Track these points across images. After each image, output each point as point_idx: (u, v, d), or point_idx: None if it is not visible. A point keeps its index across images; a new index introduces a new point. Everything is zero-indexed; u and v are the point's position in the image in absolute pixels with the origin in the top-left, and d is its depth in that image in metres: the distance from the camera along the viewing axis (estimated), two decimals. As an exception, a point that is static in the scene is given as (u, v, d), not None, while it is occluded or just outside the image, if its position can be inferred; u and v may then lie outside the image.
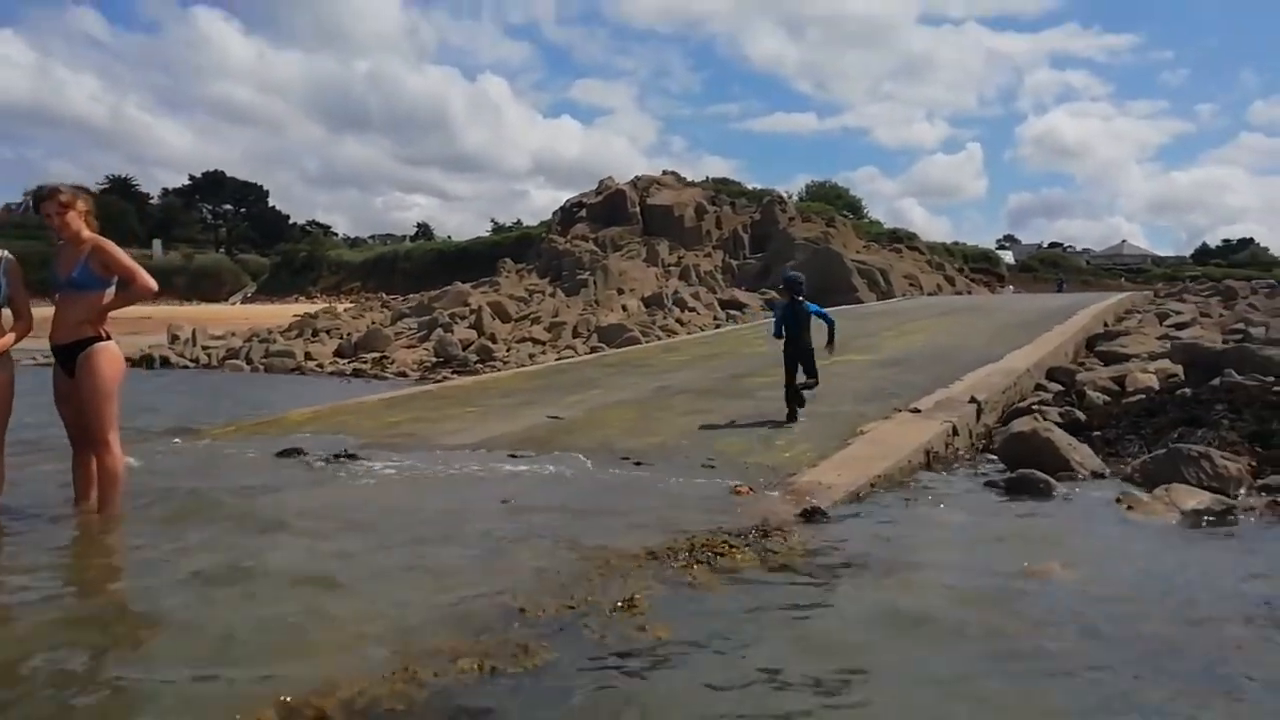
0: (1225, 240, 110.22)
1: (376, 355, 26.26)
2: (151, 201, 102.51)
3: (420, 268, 68.77)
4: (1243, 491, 7.24)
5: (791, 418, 9.50)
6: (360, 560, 5.02)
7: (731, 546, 5.29)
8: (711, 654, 3.91)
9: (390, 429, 9.67)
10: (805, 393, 9.69)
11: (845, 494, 6.83)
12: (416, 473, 7.46)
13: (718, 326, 29.84)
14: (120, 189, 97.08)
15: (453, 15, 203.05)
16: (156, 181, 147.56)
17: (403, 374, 23.57)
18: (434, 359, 25.06)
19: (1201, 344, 14.02)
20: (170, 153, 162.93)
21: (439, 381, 18.53)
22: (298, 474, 7.49)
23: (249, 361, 26.14)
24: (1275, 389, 11.08)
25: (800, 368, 9.68)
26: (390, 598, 4.39)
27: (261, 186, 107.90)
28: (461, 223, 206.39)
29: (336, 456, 7.98)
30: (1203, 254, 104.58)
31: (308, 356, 26.75)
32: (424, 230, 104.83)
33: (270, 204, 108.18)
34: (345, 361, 26.23)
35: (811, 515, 6.22)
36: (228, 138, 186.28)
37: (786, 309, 9.81)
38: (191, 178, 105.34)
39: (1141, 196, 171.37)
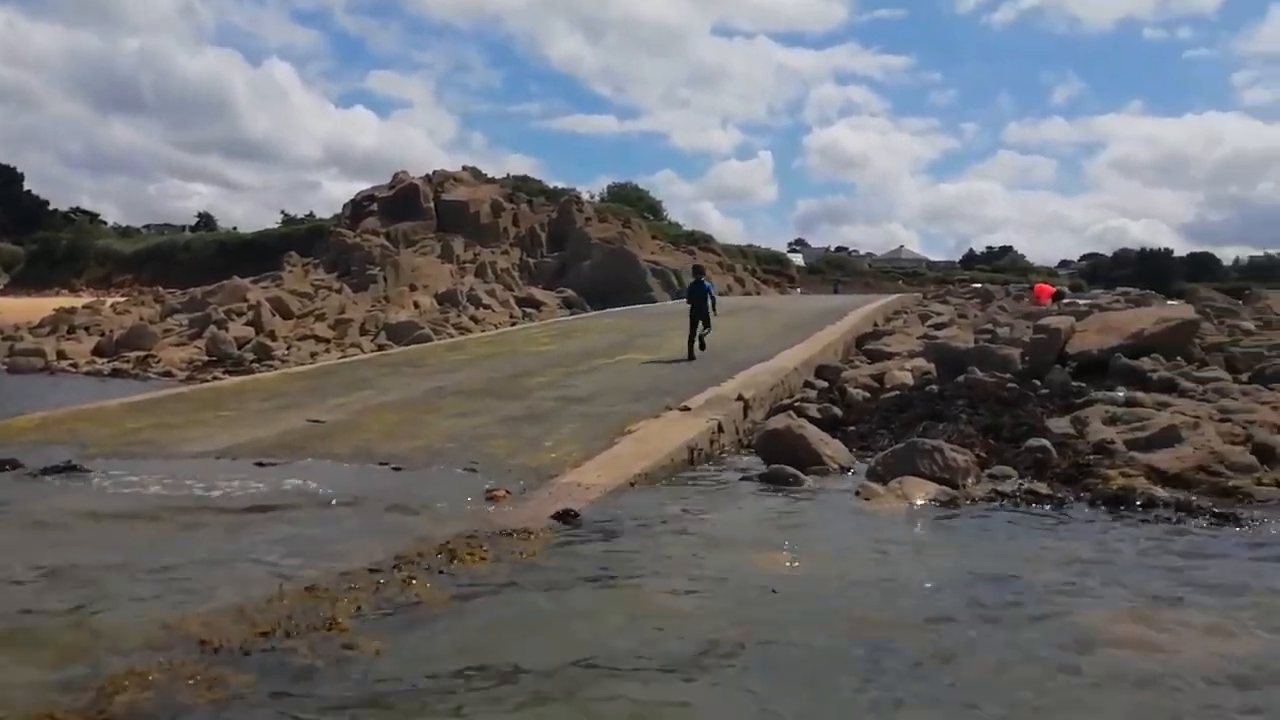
0: (989, 247, 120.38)
1: (140, 354, 24.26)
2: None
3: (201, 260, 64.12)
4: (970, 481, 7.79)
5: (691, 357, 14.29)
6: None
7: (469, 554, 5.13)
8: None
9: (128, 436, 8.87)
10: (704, 337, 14.63)
11: (602, 494, 6.83)
12: (134, 489, 6.82)
13: (514, 324, 29.57)
14: None
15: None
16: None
17: (169, 374, 21.88)
18: (205, 358, 23.43)
19: (951, 343, 15.12)
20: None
21: (206, 382, 17.30)
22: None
23: (-11, 361, 23.51)
24: (1009, 385, 12.07)
25: (700, 324, 14.62)
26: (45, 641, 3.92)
27: (14, 168, 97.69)
28: (248, 213, 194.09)
29: (53, 469, 7.20)
30: (970, 259, 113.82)
31: (60, 355, 24.37)
32: (206, 220, 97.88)
33: (25, 188, 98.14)
34: (104, 360, 24.07)
35: (564, 517, 6.16)
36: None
37: (694, 286, 15.27)
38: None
39: (916, 206, 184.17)
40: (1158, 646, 4.22)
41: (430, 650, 3.97)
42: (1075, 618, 4.53)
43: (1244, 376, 12.32)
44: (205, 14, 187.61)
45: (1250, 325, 18.31)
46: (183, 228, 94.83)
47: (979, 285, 47.13)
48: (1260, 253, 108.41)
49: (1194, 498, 7.12)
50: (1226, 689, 3.81)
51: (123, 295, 50.43)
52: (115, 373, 22.33)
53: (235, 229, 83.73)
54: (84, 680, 3.48)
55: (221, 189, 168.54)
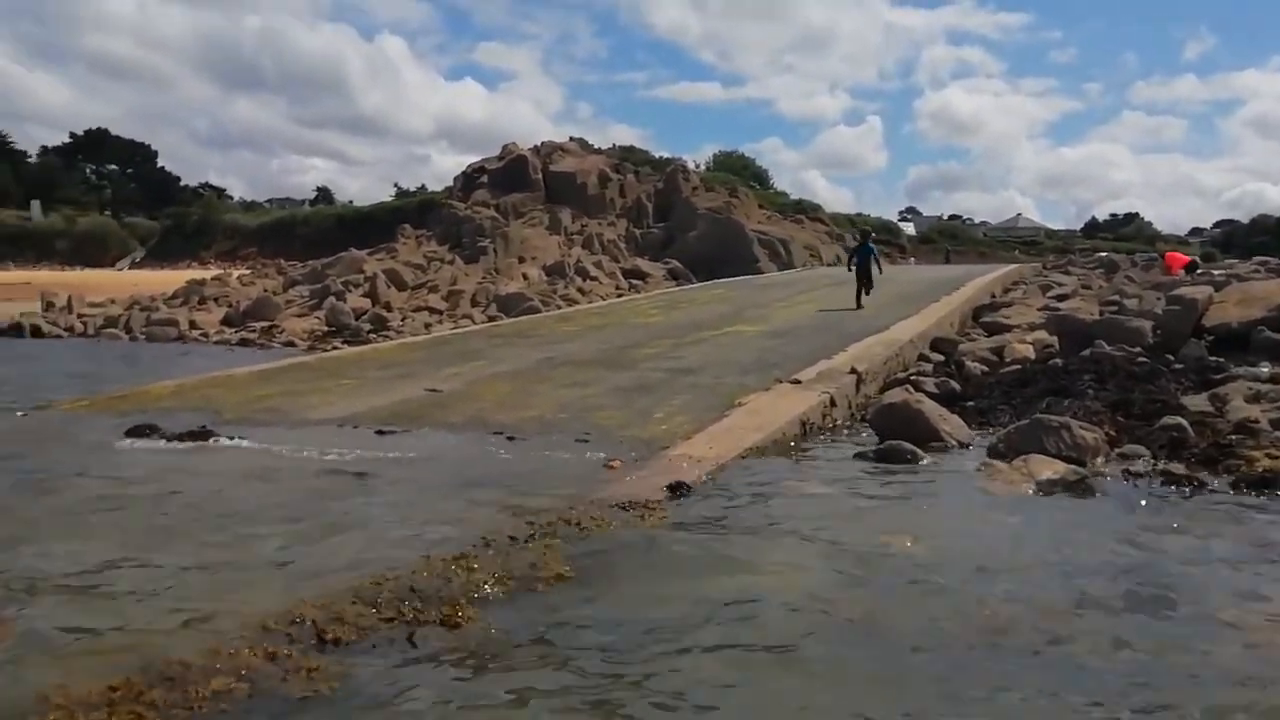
0: (1113, 214, 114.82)
1: (265, 324, 25.31)
2: (28, 160, 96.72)
3: (320, 233, 66.57)
4: (1099, 460, 7.44)
5: (859, 305, 17.49)
6: (147, 560, 4.68)
7: (592, 524, 5.18)
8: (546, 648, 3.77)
9: (256, 403, 9.25)
10: (868, 292, 18.10)
11: (715, 466, 6.78)
12: (266, 453, 7.11)
13: (620, 296, 29.69)
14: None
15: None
16: (32, 139, 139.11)
17: (291, 343, 22.77)
18: (325, 328, 24.28)
19: (1075, 315, 14.47)
20: (46, 108, 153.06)
21: (327, 351, 17.94)
22: (134, 455, 7.09)
23: (128, 330, 24.89)
24: (1139, 359, 11.49)
25: (866, 286, 18.12)
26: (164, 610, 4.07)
27: (149, 146, 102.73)
28: (363, 187, 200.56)
29: (189, 434, 7.56)
30: (1092, 228, 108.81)
31: (192, 325, 25.63)
32: (324, 194, 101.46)
33: (159, 165, 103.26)
34: (232, 330, 25.21)
35: (677, 489, 6.14)
36: (109, 94, 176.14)
37: (860, 248, 19.08)
38: (73, 135, 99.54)
39: (1033, 171, 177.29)
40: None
41: (556, 620, 4.01)
42: (1222, 612, 4.27)
43: (1404, 351, 11.42)
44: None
45: None
46: (302, 202, 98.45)
47: (1104, 254, 45.06)
48: None
49: (1350, 482, 6.62)
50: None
51: (247, 267, 52.69)
52: (242, 342, 23.35)
53: (351, 202, 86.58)
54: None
55: (338, 163, 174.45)
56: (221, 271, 43.51)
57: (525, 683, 3.47)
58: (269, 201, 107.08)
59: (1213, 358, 11.58)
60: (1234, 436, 7.92)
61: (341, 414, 8.55)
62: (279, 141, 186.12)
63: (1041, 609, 4.25)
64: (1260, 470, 6.90)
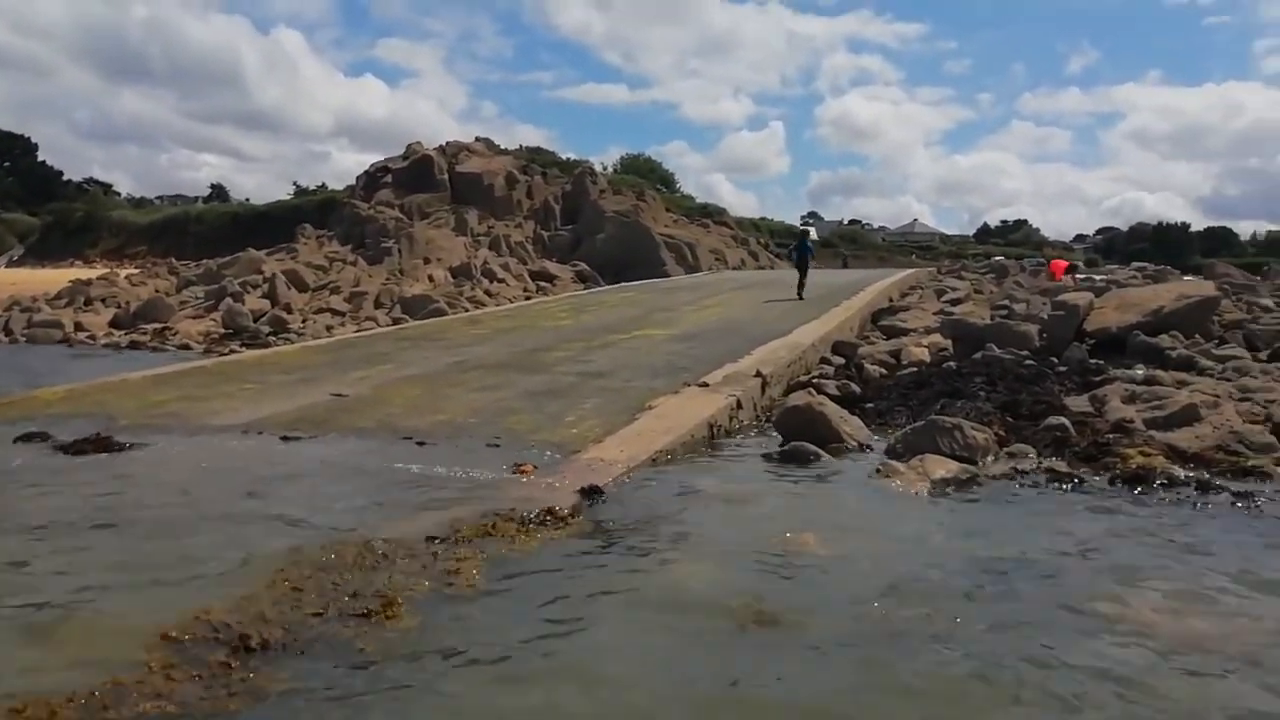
0: (1003, 221, 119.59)
1: (157, 326, 24.42)
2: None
3: (214, 231, 64.35)
4: (990, 459, 7.83)
5: (800, 297, 20.21)
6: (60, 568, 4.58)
7: (502, 530, 5.23)
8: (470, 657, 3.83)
9: (154, 409, 8.97)
10: (803, 286, 20.95)
11: (626, 469, 6.89)
12: (167, 460, 6.94)
13: (528, 298, 29.62)
14: None
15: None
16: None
17: (186, 346, 22.03)
18: (222, 330, 23.58)
19: (967, 319, 15.11)
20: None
21: (224, 355, 17.42)
22: (24, 464, 6.82)
23: (8, 332, 23.69)
24: (1027, 362, 12.10)
25: (801, 275, 21.15)
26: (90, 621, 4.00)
27: (29, 138, 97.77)
28: (260, 184, 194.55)
29: (82, 441, 7.31)
30: (984, 233, 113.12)
31: (78, 327, 24.54)
32: (219, 191, 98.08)
33: (39, 158, 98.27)
34: (122, 333, 24.24)
35: (589, 493, 6.23)
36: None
37: (800, 245, 22.75)
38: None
39: (929, 178, 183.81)
40: (1179, 628, 4.27)
41: (468, 628, 4.06)
42: (1098, 600, 4.59)
43: (1263, 355, 12.32)
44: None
45: (1269, 302, 18.23)
46: (195, 199, 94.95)
47: (997, 259, 46.91)
48: (1279, 227, 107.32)
49: (1213, 477, 7.14)
50: (1247, 669, 3.86)
51: (136, 267, 50.57)
52: (133, 345, 22.49)
53: (247, 200, 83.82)
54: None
55: (233, 159, 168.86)
56: (108, 271, 41.67)
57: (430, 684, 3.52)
58: (159, 198, 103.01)
59: (1093, 360, 12.27)
60: (1111, 435, 8.44)
61: (244, 419, 8.37)
62: (168, 136, 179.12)
63: (934, 601, 4.49)
64: (1134, 467, 7.38)
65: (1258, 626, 4.32)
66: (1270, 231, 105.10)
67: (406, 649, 3.82)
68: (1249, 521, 6.13)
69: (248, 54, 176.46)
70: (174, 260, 50.04)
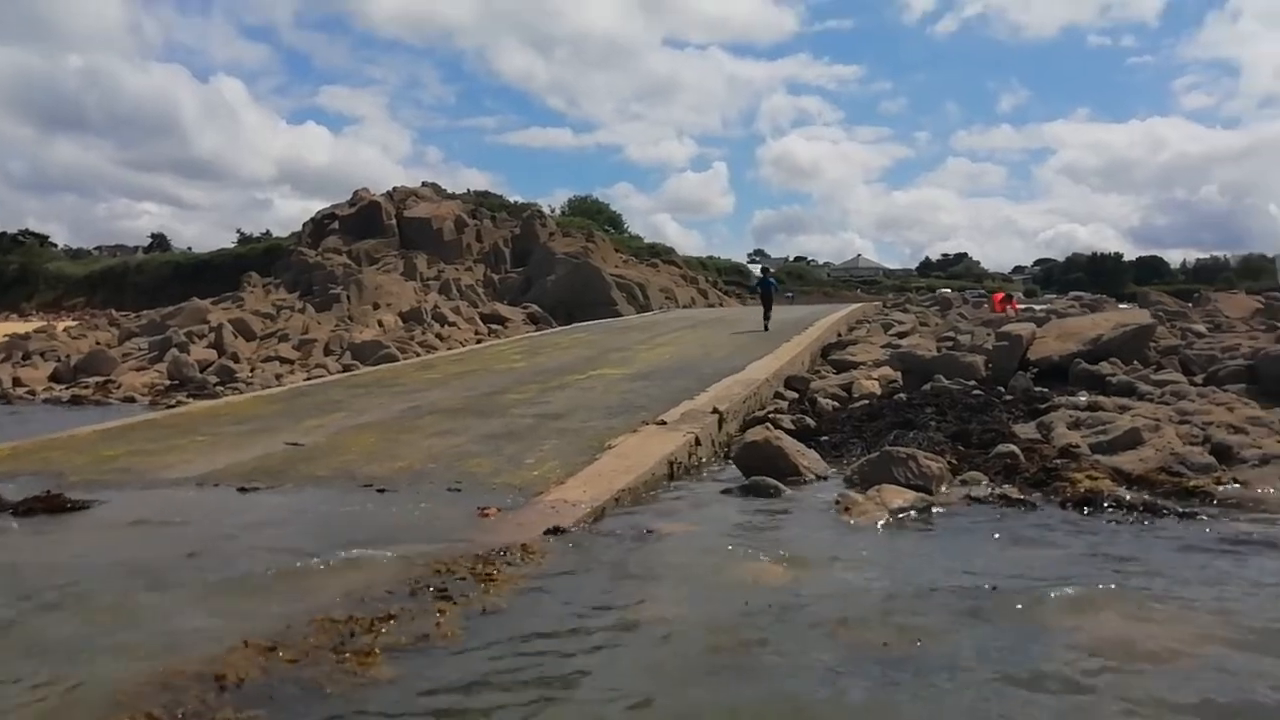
0: (944, 254, 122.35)
1: (100, 379, 23.89)
2: None
3: (155, 282, 63.19)
4: (944, 488, 8.01)
5: (766, 329, 21.55)
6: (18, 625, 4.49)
7: (475, 574, 5.23)
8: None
9: (104, 464, 8.80)
10: (769, 320, 22.54)
11: (590, 509, 6.92)
12: (128, 516, 6.82)
13: (479, 341, 29.55)
14: None
15: (180, 11, 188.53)
16: None
17: (130, 399, 21.58)
18: (168, 381, 23.13)
19: (915, 352, 15.43)
20: None
21: (172, 407, 17.10)
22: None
23: (-59, 390, 23.01)
24: (975, 392, 12.39)
25: (766, 310, 23.05)
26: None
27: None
28: (201, 233, 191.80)
29: (32, 500, 7.14)
30: (926, 267, 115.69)
31: (16, 382, 23.88)
32: (159, 241, 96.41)
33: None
34: (63, 387, 23.63)
35: (555, 533, 6.26)
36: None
37: (763, 281, 24.61)
38: None
39: (870, 214, 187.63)
40: (1132, 642, 4.42)
41: (445, 674, 4.07)
42: (1057, 619, 4.73)
43: (1198, 378, 12.75)
44: (150, 30, 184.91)
45: (1201, 328, 18.90)
46: (135, 249, 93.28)
47: (945, 291, 48.01)
48: (1206, 255, 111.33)
49: (1158, 498, 7.39)
50: (1199, 681, 4.01)
51: (75, 319, 49.47)
52: (75, 399, 21.95)
53: (190, 249, 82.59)
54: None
55: (173, 208, 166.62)
56: (45, 324, 40.74)
57: None
58: (98, 249, 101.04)
59: (1038, 388, 12.61)
60: (1059, 460, 8.68)
61: (199, 472, 8.26)
62: (106, 185, 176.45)
63: (899, 627, 4.60)
64: (1083, 490, 7.61)
65: (1207, 640, 4.48)
66: (1199, 259, 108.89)
67: (385, 693, 3.82)
68: (1195, 541, 6.34)
69: (187, 102, 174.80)
70: (114, 312, 49.09)
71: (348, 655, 4.12)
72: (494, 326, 34.05)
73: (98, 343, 29.78)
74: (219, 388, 21.95)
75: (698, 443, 9.66)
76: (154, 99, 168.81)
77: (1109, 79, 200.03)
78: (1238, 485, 7.67)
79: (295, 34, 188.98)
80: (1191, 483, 7.81)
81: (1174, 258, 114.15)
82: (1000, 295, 33.57)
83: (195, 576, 5.28)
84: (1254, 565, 5.70)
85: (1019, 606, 4.93)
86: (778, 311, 24.59)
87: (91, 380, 23.82)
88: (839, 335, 22.39)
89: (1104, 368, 13.08)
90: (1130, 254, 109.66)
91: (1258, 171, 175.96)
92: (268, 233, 74.64)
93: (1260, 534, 6.37)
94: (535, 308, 37.03)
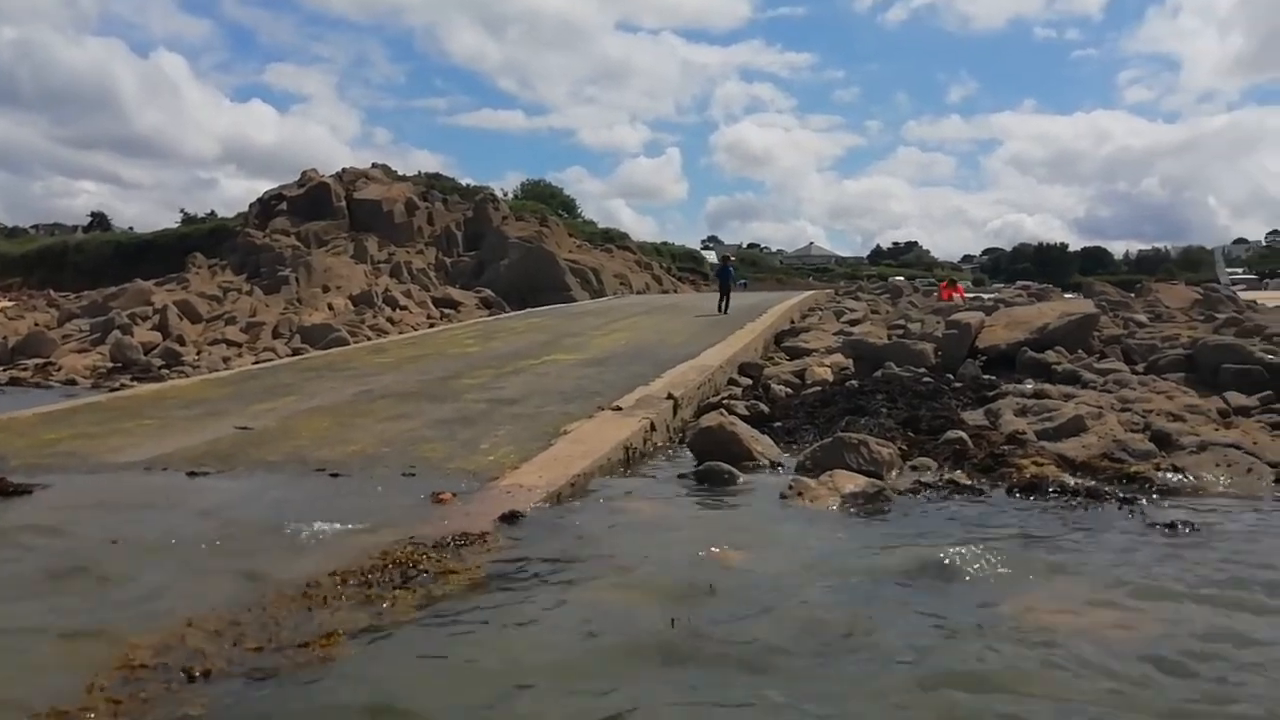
0: (895, 243, 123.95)
1: (39, 361, 23.30)
2: None
3: (96, 262, 61.28)
4: (895, 473, 8.15)
5: (724, 312, 23.07)
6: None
7: (428, 560, 5.21)
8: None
9: (47, 448, 8.60)
10: (727, 306, 23.73)
11: (545, 494, 6.93)
12: (74, 500, 6.69)
13: (431, 325, 29.28)
14: None
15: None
16: None
17: (72, 382, 21.11)
18: (110, 364, 22.63)
19: (866, 339, 15.63)
20: None
21: (116, 390, 16.73)
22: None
23: None
24: (925, 379, 12.59)
25: (726, 297, 24.20)
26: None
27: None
28: (142, 212, 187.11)
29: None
30: (877, 255, 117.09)
31: (-50, 364, 23.24)
32: (99, 220, 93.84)
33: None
34: (0, 369, 23.04)
35: (511, 518, 6.26)
36: None
37: (722, 269, 26.94)
38: None
39: (822, 202, 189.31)
40: (1075, 625, 4.55)
41: (403, 655, 4.06)
42: (1004, 602, 4.85)
43: (1140, 367, 13.08)
44: (86, 2, 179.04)
45: (1143, 318, 19.37)
46: (74, 228, 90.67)
47: (900, 279, 48.79)
48: (1148, 247, 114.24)
49: (1101, 484, 7.59)
50: (1138, 663, 4.14)
51: (11, 300, 48.04)
52: (13, 381, 21.43)
53: (131, 229, 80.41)
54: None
55: (112, 187, 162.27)
56: (-19, 304, 39.51)
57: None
58: (35, 227, 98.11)
59: (986, 376, 12.85)
60: (1006, 447, 8.87)
61: (147, 456, 8.10)
62: (41, 162, 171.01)
63: (853, 611, 4.68)
64: (1029, 476, 7.79)
65: (1148, 622, 4.63)
66: (1141, 250, 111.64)
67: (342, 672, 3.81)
68: (1135, 524, 6.53)
69: (125, 77, 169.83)
70: (52, 292, 47.80)
71: (301, 641, 4.09)
72: (446, 311, 33.74)
73: (36, 324, 29.02)
74: (164, 371, 21.53)
75: (653, 428, 9.70)
76: (91, 74, 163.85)
77: (1055, 71, 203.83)
78: (1176, 471, 7.90)
79: (239, 9, 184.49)
80: (1133, 468, 8.03)
81: (1117, 249, 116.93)
82: (945, 284, 35.46)
83: (142, 560, 5.20)
84: (1187, 552, 5.87)
85: (967, 586, 5.05)
86: (733, 298, 24.82)
87: (30, 362, 23.24)
88: (792, 322, 22.56)
89: (1050, 356, 13.36)
90: (1075, 245, 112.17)
91: (1197, 165, 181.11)
92: (213, 213, 72.82)
93: (1196, 520, 6.57)
94: (488, 292, 36.73)
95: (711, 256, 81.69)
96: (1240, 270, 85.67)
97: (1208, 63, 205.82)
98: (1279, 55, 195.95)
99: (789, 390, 12.92)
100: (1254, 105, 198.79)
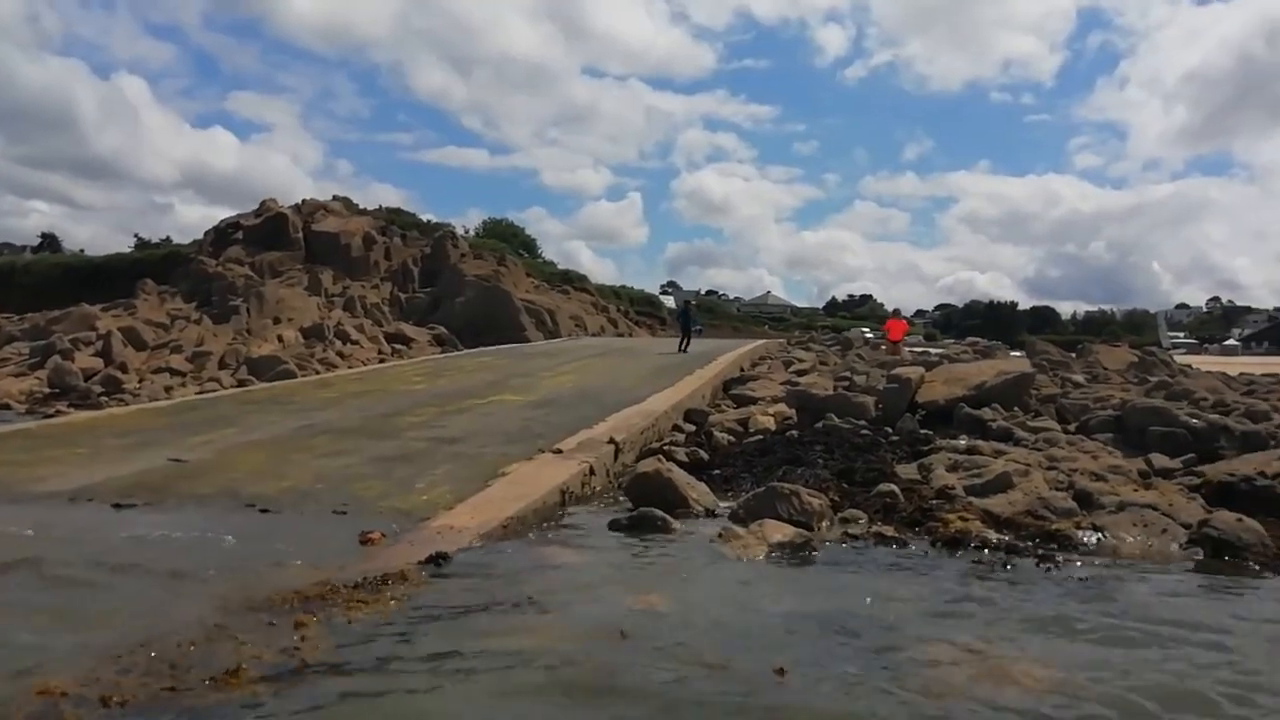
0: (850, 295, 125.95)
1: (-27, 384, 22.80)
2: None
3: (43, 284, 59.98)
4: (824, 524, 8.28)
5: (683, 350, 25.35)
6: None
7: (347, 601, 5.21)
8: None
9: (-31, 475, 8.44)
10: (686, 347, 25.78)
11: (476, 536, 6.95)
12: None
13: (382, 361, 29.13)
14: None
15: (82, 5, 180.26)
16: None
17: (5, 406, 20.69)
18: (47, 389, 22.22)
19: (810, 390, 15.86)
20: None
21: (50, 417, 16.43)
22: None
23: None
24: (863, 432, 12.80)
25: (685, 338, 27.37)
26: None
27: None
28: (95, 235, 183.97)
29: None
30: (832, 306, 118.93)
31: (-122, 384, 22.64)
32: (50, 241, 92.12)
33: None
34: (-69, 391, 22.48)
35: (436, 560, 6.26)
36: None
37: (683, 312, 31.40)
38: None
39: (779, 252, 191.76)
40: (981, 676, 4.68)
41: (312, 700, 4.07)
42: (911, 652, 4.97)
43: (1072, 426, 13.44)
44: (50, 21, 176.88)
45: (1080, 378, 19.89)
46: (23, 248, 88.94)
47: (852, 332, 49.40)
48: (1094, 308, 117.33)
49: (1021, 540, 7.78)
50: (1034, 704, 4.28)
51: (-47, 319, 46.88)
52: (-56, 404, 20.92)
53: (83, 251, 79.08)
54: None
55: (65, 208, 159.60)
56: (-81, 323, 38.51)
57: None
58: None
59: (923, 430, 13.09)
60: (935, 501, 9.05)
61: (73, 486, 7.99)
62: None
63: (767, 657, 4.76)
64: (953, 531, 7.95)
65: (1047, 670, 4.77)
66: (1088, 311, 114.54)
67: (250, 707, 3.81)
68: (1047, 581, 6.71)
69: (85, 98, 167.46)
70: (-4, 313, 46.74)
71: (205, 679, 4.08)
72: (398, 346, 33.62)
73: (-27, 345, 28.42)
74: (103, 398, 21.19)
75: (592, 472, 9.76)
76: (49, 93, 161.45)
77: (1009, 134, 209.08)
78: (1095, 530, 8.13)
79: (204, 35, 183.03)
80: (1053, 526, 8.23)
81: (1065, 309, 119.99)
82: (891, 318, 37.47)
83: (49, 597, 5.14)
84: (1092, 608, 6.04)
85: (877, 636, 5.16)
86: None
87: (-36, 385, 22.72)
88: (741, 370, 22.78)
89: (986, 413, 13.66)
90: (1025, 303, 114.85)
91: (1142, 231, 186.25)
92: (168, 239, 71.93)
93: (1106, 575, 6.78)
94: (442, 329, 36.70)
95: (670, 301, 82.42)
96: (1181, 334, 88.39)
97: (1153, 132, 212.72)
98: (1222, 129, 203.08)
99: (731, 438, 13.04)
100: (1198, 175, 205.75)
